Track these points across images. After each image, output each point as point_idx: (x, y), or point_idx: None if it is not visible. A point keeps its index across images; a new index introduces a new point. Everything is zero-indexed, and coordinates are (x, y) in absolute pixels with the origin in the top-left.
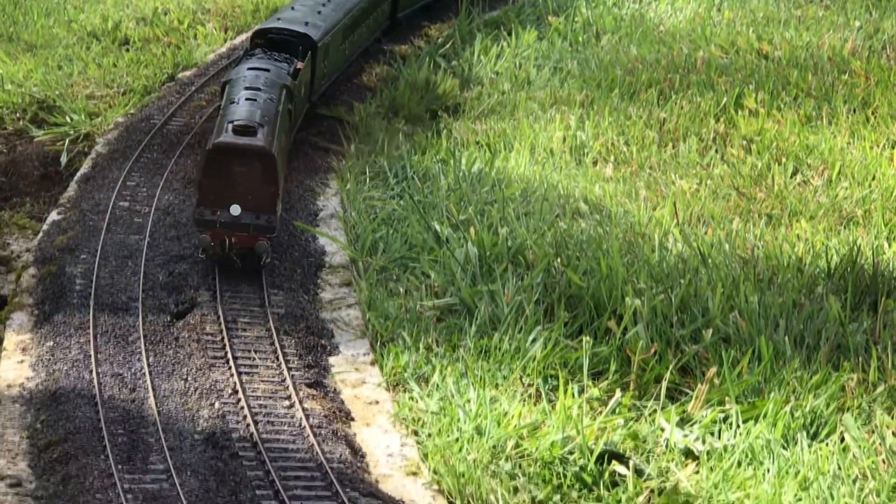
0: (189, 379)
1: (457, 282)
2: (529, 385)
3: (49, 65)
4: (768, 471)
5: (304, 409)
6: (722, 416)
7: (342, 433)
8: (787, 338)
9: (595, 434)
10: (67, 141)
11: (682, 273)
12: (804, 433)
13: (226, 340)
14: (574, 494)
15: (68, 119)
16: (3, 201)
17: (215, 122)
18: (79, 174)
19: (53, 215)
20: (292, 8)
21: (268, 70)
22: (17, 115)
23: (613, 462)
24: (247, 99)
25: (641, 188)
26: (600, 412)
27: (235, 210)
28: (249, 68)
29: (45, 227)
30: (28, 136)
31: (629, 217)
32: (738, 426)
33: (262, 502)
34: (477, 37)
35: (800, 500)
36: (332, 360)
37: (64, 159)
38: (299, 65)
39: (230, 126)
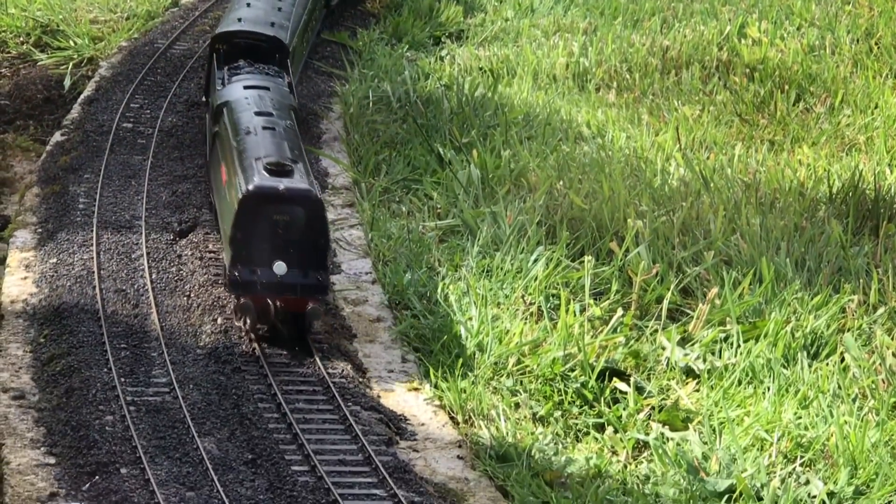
0: (192, 295)
1: (459, 203)
2: (531, 303)
3: None
4: (768, 389)
5: None
6: (723, 335)
7: (344, 349)
8: (788, 260)
9: (596, 352)
10: (71, 65)
11: (684, 196)
12: (804, 353)
13: None
14: (575, 410)
15: (72, 43)
16: (7, 124)
17: (223, 154)
18: (82, 96)
19: (57, 136)
20: (248, 5)
21: (268, 88)
22: (21, 39)
23: (614, 379)
24: (265, 128)
25: (644, 114)
26: (601, 331)
27: (279, 268)
28: (247, 87)
29: (48, 147)
30: (31, 60)
31: (631, 142)
32: (739, 346)
33: (264, 415)
34: None
35: (800, 417)
36: (334, 278)
37: (67, 83)
38: (289, 78)
39: (260, 165)
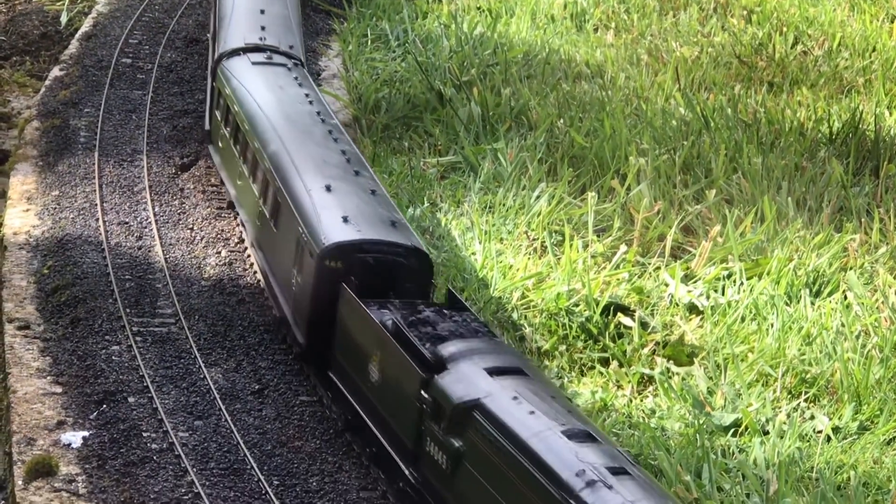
0: (195, 228)
1: (460, 140)
2: (534, 239)
3: None
4: (772, 326)
5: None
6: (725, 273)
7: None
8: (789, 199)
9: (600, 287)
10: (67, 1)
11: (685, 135)
12: (807, 290)
13: None
14: (579, 345)
15: None
16: (3, 59)
17: None
18: (80, 32)
19: (56, 71)
20: (328, 188)
21: (525, 373)
22: None
23: (619, 314)
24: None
25: (643, 54)
26: (604, 267)
27: None
28: (492, 371)
29: (47, 82)
30: None
31: (631, 81)
32: (742, 283)
33: (271, 345)
34: None
35: (803, 354)
36: None
37: (64, 19)
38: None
39: None
